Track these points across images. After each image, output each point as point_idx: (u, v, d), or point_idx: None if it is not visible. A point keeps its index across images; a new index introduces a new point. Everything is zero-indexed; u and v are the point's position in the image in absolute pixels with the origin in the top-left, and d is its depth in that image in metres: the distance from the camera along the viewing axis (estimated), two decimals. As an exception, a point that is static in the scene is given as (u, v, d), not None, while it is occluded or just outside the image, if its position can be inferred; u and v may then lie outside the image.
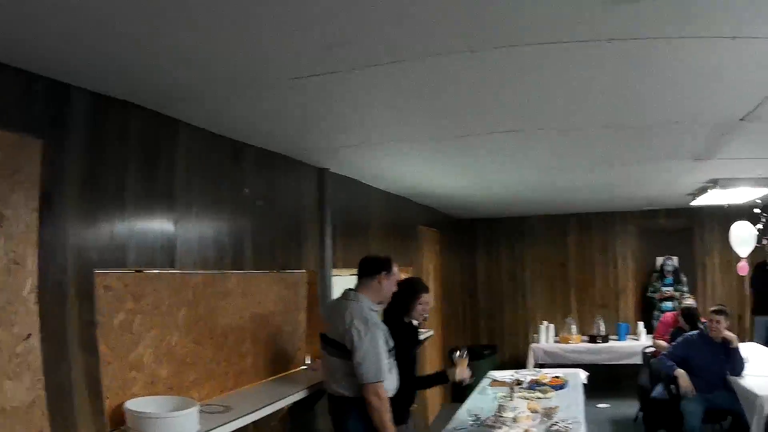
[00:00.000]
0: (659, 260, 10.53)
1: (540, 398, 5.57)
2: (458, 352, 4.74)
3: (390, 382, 4.01)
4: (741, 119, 4.09)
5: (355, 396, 3.93)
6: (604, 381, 9.51)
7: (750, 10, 2.39)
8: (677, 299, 9.48)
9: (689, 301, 8.05)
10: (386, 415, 3.85)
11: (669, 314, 8.44)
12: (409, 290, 4.59)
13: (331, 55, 2.72)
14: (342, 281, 4.73)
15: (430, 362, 8.62)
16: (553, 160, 5.64)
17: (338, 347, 3.96)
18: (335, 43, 2.58)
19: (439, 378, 4.90)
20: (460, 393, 4.78)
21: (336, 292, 4.63)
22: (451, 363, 4.76)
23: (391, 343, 4.10)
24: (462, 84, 3.26)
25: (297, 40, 2.55)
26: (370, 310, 4.05)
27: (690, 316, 7.52)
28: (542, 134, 4.47)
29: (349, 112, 3.74)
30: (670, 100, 3.72)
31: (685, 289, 10.10)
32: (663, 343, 7.73)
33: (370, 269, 4.20)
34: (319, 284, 5.18)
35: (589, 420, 5.48)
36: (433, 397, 8.90)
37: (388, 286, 4.21)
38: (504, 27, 2.51)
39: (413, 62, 2.85)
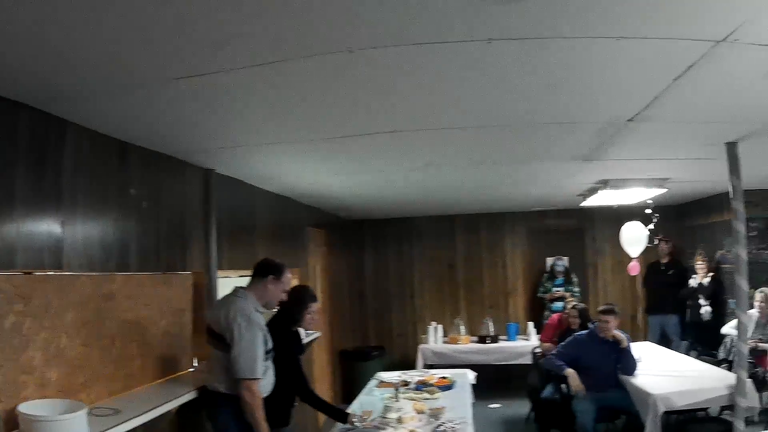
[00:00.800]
0: (549, 260, 11.02)
1: (427, 399, 5.89)
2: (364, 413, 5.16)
3: (264, 384, 4.36)
4: (629, 120, 4.36)
5: (228, 392, 4.25)
6: (495, 381, 9.97)
7: (634, 11, 2.53)
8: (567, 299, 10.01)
9: (573, 302, 8.65)
10: (258, 412, 4.18)
11: (555, 316, 8.94)
12: (298, 301, 4.93)
13: (212, 54, 2.86)
14: (229, 283, 4.92)
15: (319, 365, 8.84)
16: (432, 160, 5.86)
17: (220, 339, 4.27)
18: (216, 43, 2.72)
19: (339, 415, 5.13)
20: (348, 395, 5.07)
21: (222, 293, 4.82)
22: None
23: (270, 345, 4.43)
24: (341, 84, 3.42)
25: (177, 39, 2.67)
26: (255, 310, 4.36)
27: (583, 316, 8.05)
28: (421, 134, 4.68)
29: (231, 112, 3.91)
30: (553, 101, 3.92)
31: (576, 289, 10.63)
32: (549, 345, 8.21)
33: (261, 271, 4.54)
34: (205, 286, 5.35)
35: (481, 420, 5.83)
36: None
37: (273, 291, 4.53)
38: (382, 27, 2.64)
39: (294, 62, 2.98)
